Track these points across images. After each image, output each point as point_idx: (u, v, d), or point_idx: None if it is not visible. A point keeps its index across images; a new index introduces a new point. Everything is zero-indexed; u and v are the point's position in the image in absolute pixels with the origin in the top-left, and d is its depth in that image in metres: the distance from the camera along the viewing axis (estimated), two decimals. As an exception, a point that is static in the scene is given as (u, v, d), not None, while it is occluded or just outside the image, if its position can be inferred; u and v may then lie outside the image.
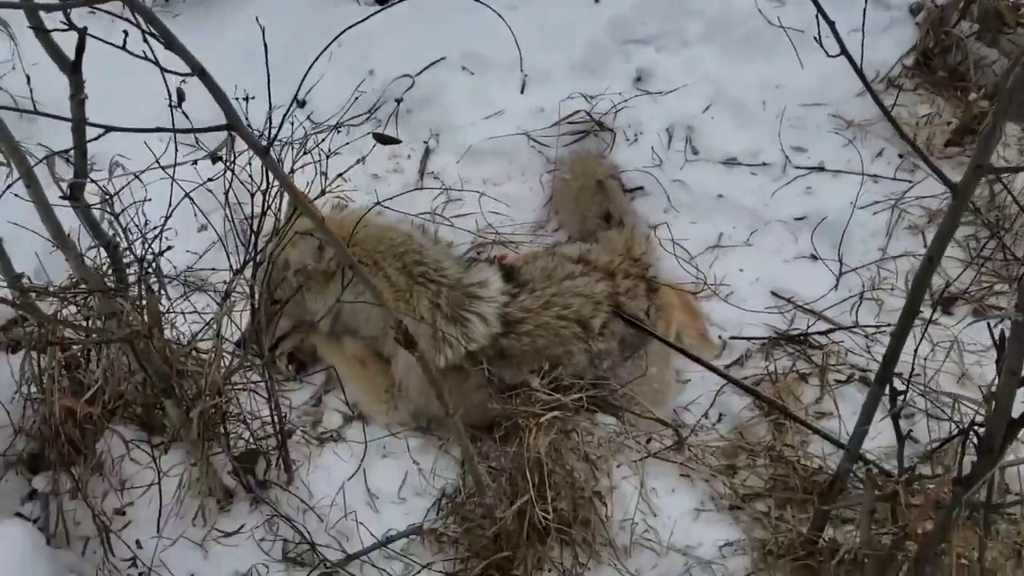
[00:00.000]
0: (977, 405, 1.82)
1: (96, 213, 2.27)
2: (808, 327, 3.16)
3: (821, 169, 3.62)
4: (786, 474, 2.70)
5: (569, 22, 3.99)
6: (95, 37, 1.72)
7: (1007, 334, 1.65)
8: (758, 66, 3.86)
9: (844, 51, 1.79)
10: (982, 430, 1.76)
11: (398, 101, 3.48)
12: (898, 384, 2.08)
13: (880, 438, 2.65)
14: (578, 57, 3.90)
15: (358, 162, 2.60)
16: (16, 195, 1.98)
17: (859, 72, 1.81)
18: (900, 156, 3.63)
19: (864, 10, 2.25)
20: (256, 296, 2.50)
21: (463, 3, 3.79)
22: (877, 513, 2.19)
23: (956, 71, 3.80)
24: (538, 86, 3.86)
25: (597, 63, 3.90)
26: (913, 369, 2.17)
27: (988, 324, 1.74)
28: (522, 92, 3.88)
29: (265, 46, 2.10)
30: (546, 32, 3.91)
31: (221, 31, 4.04)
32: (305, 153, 2.24)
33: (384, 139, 2.26)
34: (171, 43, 1.57)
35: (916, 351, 2.19)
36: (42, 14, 1.89)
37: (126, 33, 1.53)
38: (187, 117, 1.86)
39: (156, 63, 1.57)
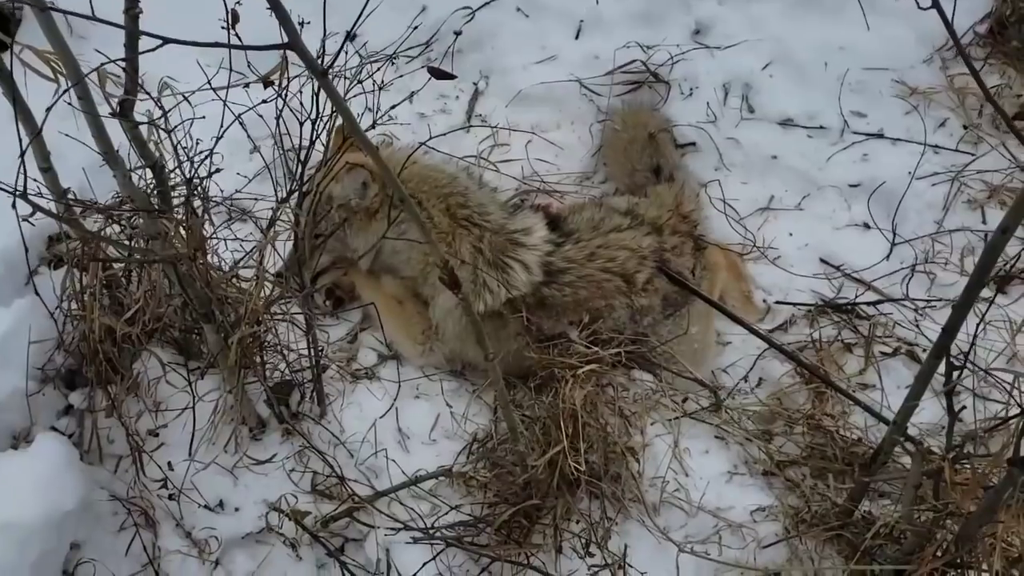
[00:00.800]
0: (1036, 385, 1.75)
1: (144, 133, 2.25)
2: (856, 297, 3.09)
3: (880, 136, 3.50)
4: (824, 443, 2.66)
5: (631, -31, 3.86)
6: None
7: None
8: (822, 26, 3.73)
9: (936, 4, 1.69)
10: (1044, 411, 1.69)
11: (457, 33, 3.39)
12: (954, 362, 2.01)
13: (924, 414, 2.60)
14: (637, 5, 3.78)
15: (409, 97, 2.53)
16: (68, 103, 1.94)
17: (948, 26, 1.71)
18: (964, 127, 3.51)
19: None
20: (300, 227, 2.47)
21: (525, -58, 3.74)
22: (919, 489, 2.14)
23: (1031, 43, 3.65)
24: (594, 33, 3.76)
25: (656, 13, 3.78)
26: (972, 346, 2.09)
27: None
28: (577, 38, 3.78)
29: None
30: (606, -22, 3.80)
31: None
32: (359, 83, 2.18)
33: (439, 73, 2.19)
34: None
35: (977, 328, 2.10)
36: (100, -79, 1.85)
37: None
38: (240, 39, 1.81)
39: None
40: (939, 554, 2.04)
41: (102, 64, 1.94)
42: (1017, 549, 1.89)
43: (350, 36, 3.67)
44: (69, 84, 1.90)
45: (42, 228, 2.72)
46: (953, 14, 1.76)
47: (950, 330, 1.93)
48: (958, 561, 2.05)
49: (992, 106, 1.88)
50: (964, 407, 2.33)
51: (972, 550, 2.00)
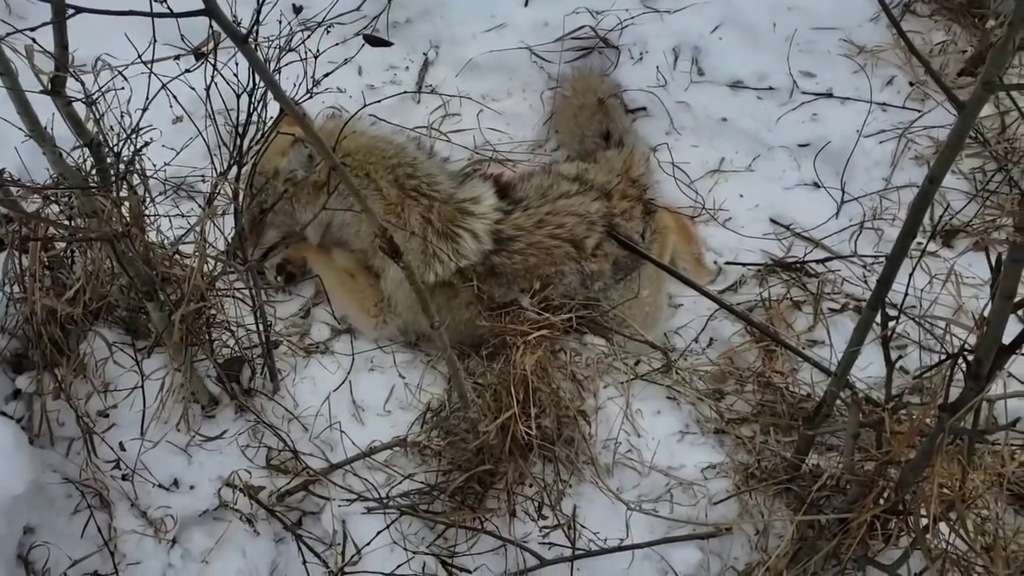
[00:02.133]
0: (968, 331, 1.78)
1: (80, 112, 2.22)
2: (805, 255, 3.11)
3: (829, 95, 3.51)
4: (774, 400, 2.69)
5: (579, -66, 3.83)
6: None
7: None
8: (771, -14, 3.73)
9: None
10: (971, 357, 1.72)
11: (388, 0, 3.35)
12: (891, 312, 2.04)
13: (871, 368, 2.63)
14: (586, -30, 3.76)
15: (346, 62, 2.50)
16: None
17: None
18: (911, 84, 3.53)
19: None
20: (240, 201, 2.45)
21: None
22: (862, 440, 2.18)
23: (974, -2, 3.68)
24: (543, -1, 3.74)
25: (605, -23, 3.76)
26: (906, 296, 2.13)
27: (987, 251, 1.69)
28: (526, 5, 3.75)
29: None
30: (554, -57, 3.76)
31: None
32: (290, 50, 2.16)
33: (375, 41, 2.18)
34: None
35: (911, 277, 2.13)
36: None
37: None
38: (171, 11, 1.79)
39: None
40: (880, 502, 2.07)
41: (26, 46, 1.90)
42: (952, 493, 1.92)
43: (295, 9, 3.64)
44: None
45: (-20, 211, 2.68)
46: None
47: (884, 281, 1.96)
48: (899, 508, 2.09)
49: (924, 66, 1.87)
50: (901, 356, 2.38)
51: (911, 496, 2.04)
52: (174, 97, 2.22)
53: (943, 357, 1.84)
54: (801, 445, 2.39)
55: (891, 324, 1.99)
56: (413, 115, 3.52)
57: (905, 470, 1.99)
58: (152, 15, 1.68)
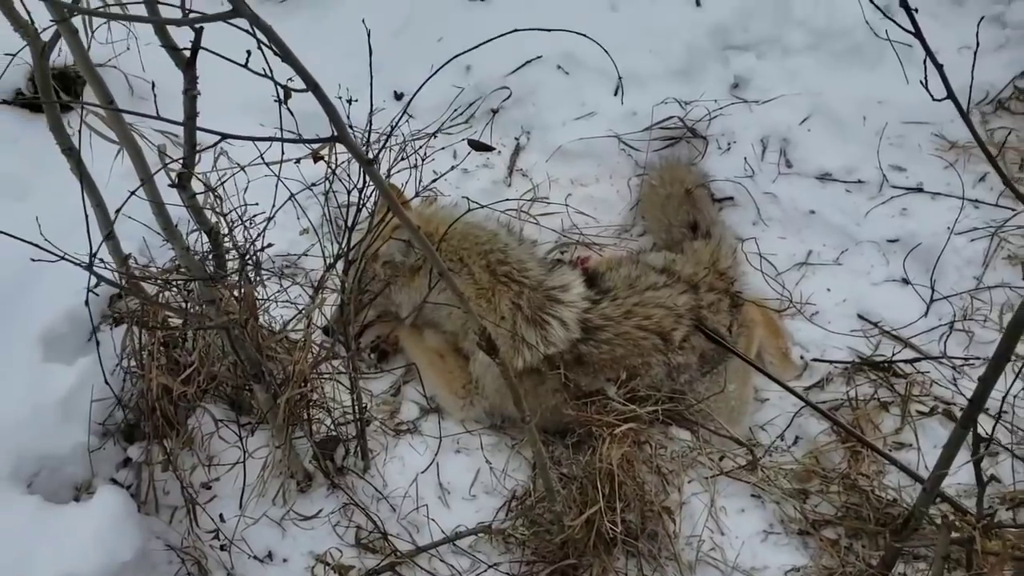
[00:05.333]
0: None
1: (200, 200, 2.38)
2: (893, 354, 3.10)
3: (919, 190, 3.52)
4: (859, 503, 2.67)
5: (669, 25, 3.94)
6: (210, 51, 1.80)
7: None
8: (861, 80, 3.78)
9: (951, 96, 1.74)
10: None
11: (494, 111, 3.50)
12: (982, 428, 2.03)
13: (960, 474, 2.60)
14: (675, 61, 3.86)
15: (451, 169, 2.63)
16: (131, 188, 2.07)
17: (954, 99, 1.76)
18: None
19: (977, 33, 2.17)
20: (346, 290, 2.58)
21: (564, 3, 3.83)
22: (952, 555, 2.16)
23: (1071, 97, 3.65)
24: (632, 89, 3.82)
25: (694, 68, 3.86)
26: (1002, 409, 2.12)
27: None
28: (616, 94, 3.86)
29: (370, 49, 2.17)
30: (645, 34, 3.89)
31: (323, 19, 4.11)
32: (403, 159, 2.29)
33: (479, 146, 2.31)
34: (288, 58, 1.63)
35: (1007, 394, 2.13)
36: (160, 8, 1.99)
37: (249, 53, 1.60)
38: (291, 114, 1.93)
39: (274, 81, 1.63)
40: (972, 624, 2.05)
41: (166, 163, 2.06)
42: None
43: (396, 96, 3.80)
44: (136, 172, 2.02)
45: (106, 289, 2.86)
46: (970, 89, 1.80)
47: (976, 401, 1.96)
48: (991, 632, 2.06)
49: (995, 169, 1.90)
50: (992, 476, 2.35)
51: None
52: (297, 203, 2.36)
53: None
54: (888, 556, 2.38)
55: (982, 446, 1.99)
56: (503, 197, 3.63)
57: (999, 595, 1.97)
58: (283, 140, 1.83)
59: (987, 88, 3.70)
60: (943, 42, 3.22)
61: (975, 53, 2.08)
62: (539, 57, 3.89)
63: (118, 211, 1.94)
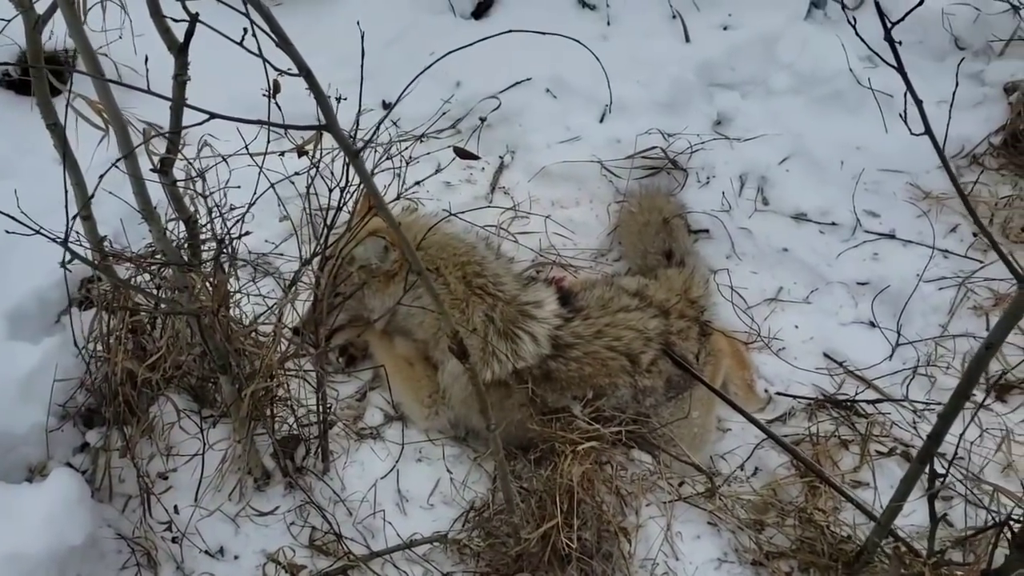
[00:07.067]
0: (1017, 499, 1.80)
1: (180, 188, 2.38)
2: (856, 394, 3.14)
3: (892, 236, 3.59)
4: (814, 537, 2.68)
5: (658, 59, 4.02)
6: (208, 26, 1.81)
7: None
8: (841, 125, 3.87)
9: (929, 131, 1.79)
10: (1018, 527, 1.74)
11: (482, 120, 3.54)
12: (939, 466, 2.07)
13: (914, 516, 2.62)
14: (662, 94, 3.93)
15: (436, 172, 2.65)
16: (113, 164, 2.07)
17: (938, 149, 1.81)
18: (974, 235, 3.59)
19: (954, 92, 2.24)
20: (320, 287, 2.58)
21: (557, 28, 3.89)
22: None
23: (1043, 156, 3.75)
24: (618, 117, 3.89)
25: (680, 102, 3.92)
26: (956, 452, 2.16)
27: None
28: (601, 121, 3.92)
29: (362, 51, 2.19)
30: (634, 65, 3.96)
31: (317, 25, 4.14)
32: (388, 159, 2.31)
33: (464, 154, 2.32)
34: (284, 43, 1.65)
35: (962, 435, 2.17)
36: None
37: (245, 31, 1.61)
38: (279, 108, 1.95)
39: (267, 61, 1.65)
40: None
41: (151, 135, 2.07)
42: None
43: (385, 105, 3.83)
44: (118, 146, 2.03)
45: (78, 271, 2.84)
46: (945, 139, 1.86)
47: (934, 437, 2.00)
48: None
49: (973, 219, 1.96)
50: (945, 514, 2.38)
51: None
52: (277, 195, 2.37)
53: (989, 523, 1.86)
54: (840, 589, 2.39)
55: (939, 481, 2.02)
56: (485, 213, 3.66)
57: (944, 631, 1.99)
58: (271, 124, 1.84)
59: (963, 142, 3.79)
60: (923, 95, 3.28)
61: (951, 106, 2.16)
62: (529, 79, 3.95)
63: (97, 184, 1.94)
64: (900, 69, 1.74)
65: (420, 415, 3.04)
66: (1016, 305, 1.87)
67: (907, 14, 1.85)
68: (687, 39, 4.15)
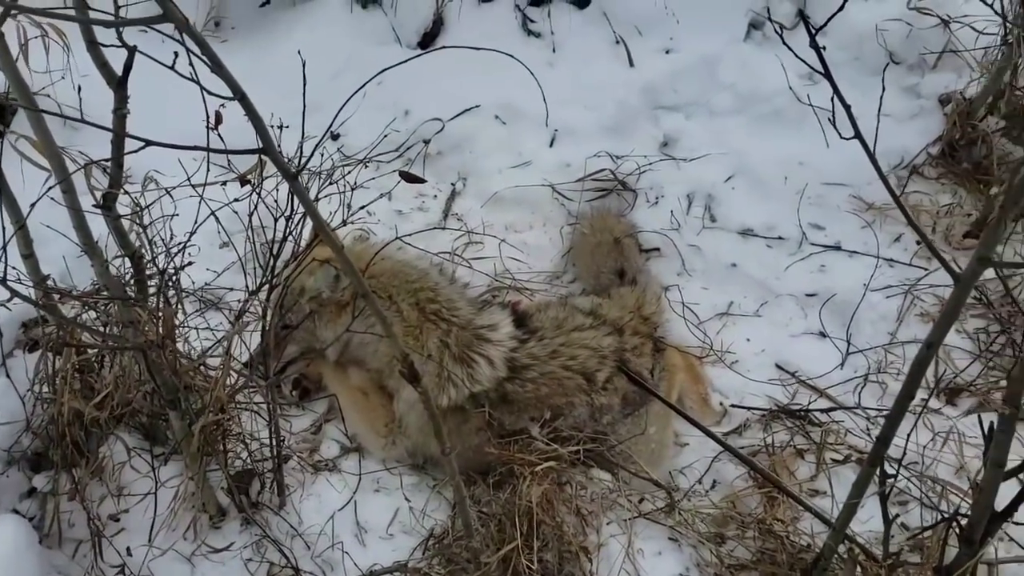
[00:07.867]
0: (963, 495, 1.83)
1: (125, 224, 2.36)
2: (809, 403, 3.17)
3: (837, 248, 3.65)
4: (774, 548, 2.70)
5: (604, 83, 4.08)
6: (144, 54, 1.81)
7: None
8: (784, 142, 3.93)
9: (858, 135, 1.84)
10: (965, 522, 1.77)
11: (426, 142, 3.57)
12: (891, 468, 2.09)
13: (872, 522, 2.64)
14: (608, 117, 3.99)
15: (381, 196, 2.66)
16: (52, 199, 2.05)
17: (871, 157, 1.86)
18: (917, 243, 3.66)
19: (881, 97, 2.32)
20: (268, 319, 2.56)
21: (504, 56, 3.95)
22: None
23: (980, 165, 3.82)
24: (567, 141, 3.95)
25: (626, 125, 3.99)
26: (905, 453, 2.18)
27: (979, 418, 1.76)
28: (551, 146, 3.97)
29: (304, 79, 2.19)
30: (580, 91, 4.03)
31: (263, 59, 4.14)
32: (331, 183, 2.31)
33: (410, 177, 2.33)
34: (218, 67, 1.65)
35: (909, 436, 2.20)
36: (96, 29, 2.00)
37: (176, 54, 1.61)
38: (222, 139, 1.94)
39: (200, 85, 1.65)
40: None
41: (85, 164, 2.06)
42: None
43: (332, 136, 3.84)
44: (55, 178, 2.01)
45: (19, 313, 2.79)
46: (875, 145, 1.91)
47: (883, 439, 2.02)
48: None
49: (914, 229, 2.00)
50: (899, 515, 2.41)
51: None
52: (221, 226, 2.36)
53: (938, 520, 1.88)
54: (799, 597, 2.40)
55: (891, 481, 2.04)
56: (438, 240, 3.67)
57: (901, 630, 2.00)
58: (209, 150, 1.84)
59: (902, 154, 3.88)
60: (862, 108, 3.34)
61: (879, 111, 2.22)
62: (478, 106, 3.98)
63: (28, 213, 1.92)
64: (827, 74, 1.78)
65: (377, 445, 3.02)
66: (953, 303, 1.91)
67: (829, 20, 1.91)
68: (631, 63, 4.22)
